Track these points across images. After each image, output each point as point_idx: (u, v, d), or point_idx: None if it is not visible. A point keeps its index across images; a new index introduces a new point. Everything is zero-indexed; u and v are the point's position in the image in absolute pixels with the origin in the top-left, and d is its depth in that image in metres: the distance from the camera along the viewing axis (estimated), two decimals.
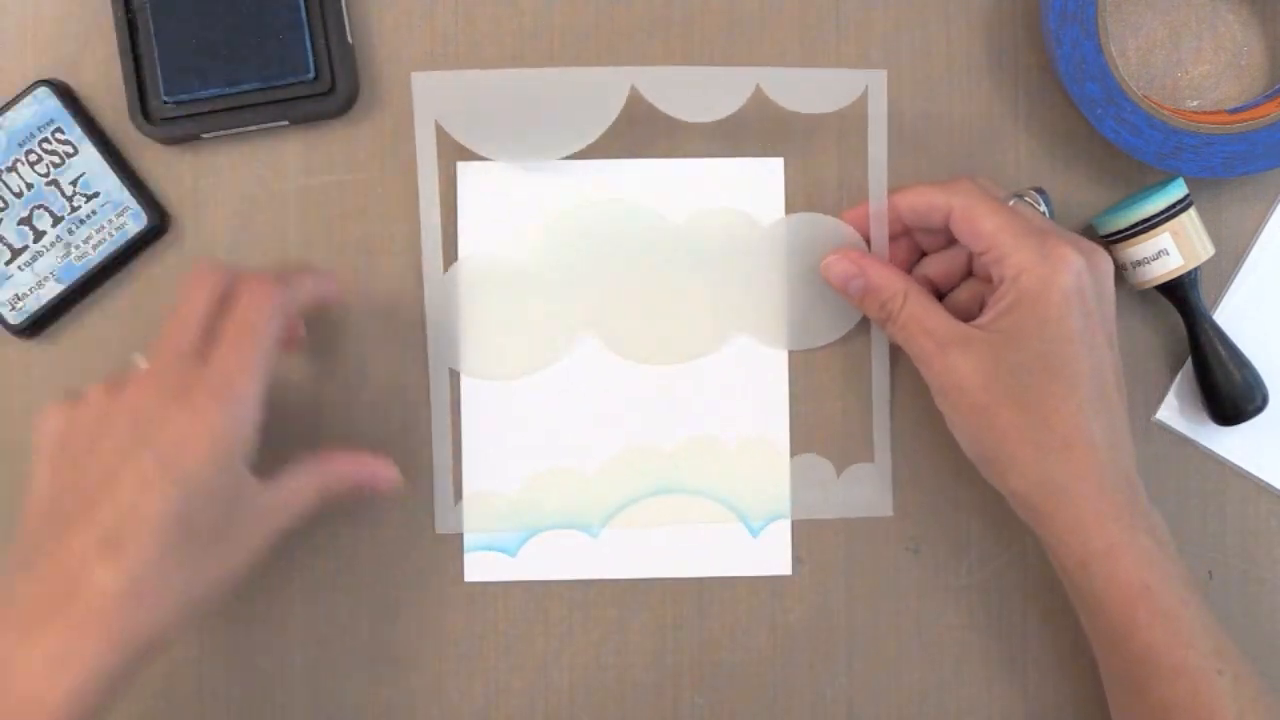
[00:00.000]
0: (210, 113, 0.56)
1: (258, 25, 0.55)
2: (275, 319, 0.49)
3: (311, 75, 0.56)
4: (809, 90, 0.55)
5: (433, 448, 0.57)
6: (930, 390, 0.53)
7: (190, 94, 0.55)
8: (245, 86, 0.55)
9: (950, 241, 0.55)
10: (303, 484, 0.51)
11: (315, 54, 0.56)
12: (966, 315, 0.53)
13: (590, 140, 0.55)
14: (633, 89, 0.54)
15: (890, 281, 0.54)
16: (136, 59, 0.56)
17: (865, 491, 0.58)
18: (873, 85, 0.56)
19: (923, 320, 0.52)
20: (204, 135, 0.56)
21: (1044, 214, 0.55)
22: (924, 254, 0.57)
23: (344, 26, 0.56)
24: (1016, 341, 0.50)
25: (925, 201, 0.53)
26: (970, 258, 0.55)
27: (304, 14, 0.55)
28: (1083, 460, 0.50)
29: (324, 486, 0.51)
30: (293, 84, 0.56)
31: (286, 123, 0.57)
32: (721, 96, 0.55)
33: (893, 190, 0.55)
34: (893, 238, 0.56)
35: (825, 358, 0.58)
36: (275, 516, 0.50)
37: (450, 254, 0.58)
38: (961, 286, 0.56)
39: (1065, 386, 0.50)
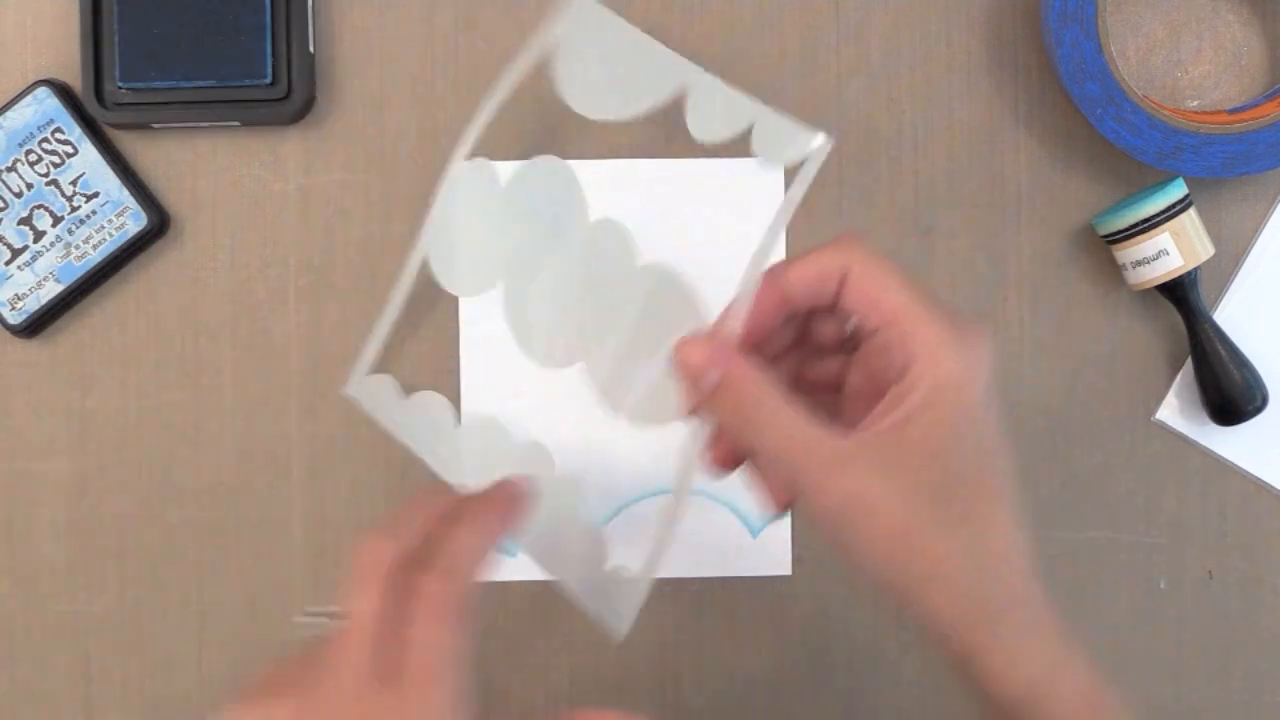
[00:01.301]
0: (163, 104, 0.56)
1: (221, 25, 0.55)
2: (463, 626, 0.41)
3: (268, 80, 0.56)
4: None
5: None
6: (812, 516, 0.41)
7: (145, 83, 0.55)
8: (200, 83, 0.56)
9: (834, 336, 0.45)
10: None
11: (274, 59, 0.56)
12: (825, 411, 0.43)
13: None
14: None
15: (757, 377, 0.41)
16: (98, 42, 0.56)
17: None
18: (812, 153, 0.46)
19: (801, 431, 0.41)
20: (154, 125, 0.57)
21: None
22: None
23: (307, 35, 0.56)
24: (939, 448, 0.41)
25: (815, 269, 0.42)
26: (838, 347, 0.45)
27: (268, 19, 0.55)
28: (1019, 577, 0.42)
29: None
30: (248, 86, 0.56)
31: (238, 123, 0.57)
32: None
33: (768, 270, 0.43)
34: (771, 335, 0.44)
35: None
36: None
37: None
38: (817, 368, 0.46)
39: (996, 496, 0.42)
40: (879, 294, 0.41)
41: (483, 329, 0.58)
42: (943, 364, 0.40)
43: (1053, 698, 0.42)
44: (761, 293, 0.43)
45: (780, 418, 0.41)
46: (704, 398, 0.42)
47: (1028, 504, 0.44)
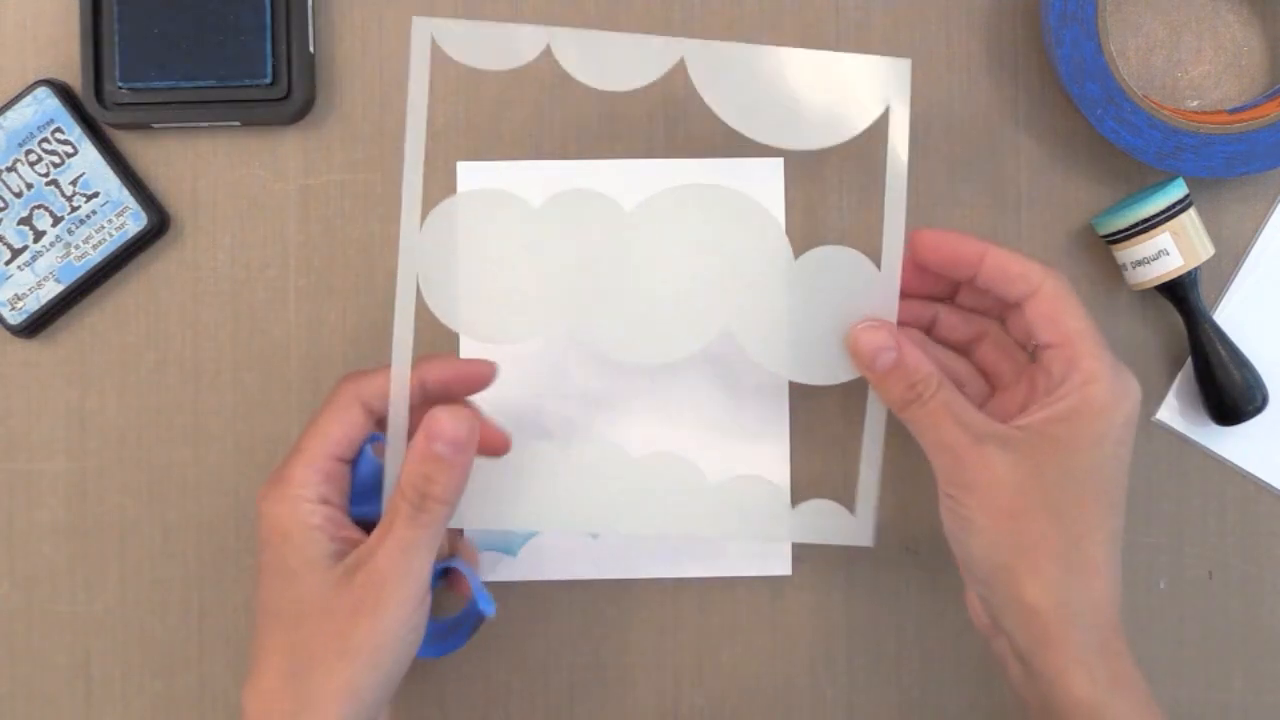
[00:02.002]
0: (163, 104, 0.56)
1: (221, 25, 0.55)
2: (346, 410, 0.49)
3: (268, 80, 0.56)
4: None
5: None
6: (943, 485, 0.49)
7: (145, 83, 0.55)
8: (200, 83, 0.55)
9: (965, 339, 0.53)
10: (400, 489, 0.47)
11: (274, 59, 0.56)
12: None
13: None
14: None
15: (926, 364, 0.49)
16: (98, 42, 0.56)
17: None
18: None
19: (957, 411, 0.48)
20: (154, 125, 0.57)
21: None
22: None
23: (307, 35, 0.56)
24: (1066, 451, 0.47)
25: (1020, 268, 0.49)
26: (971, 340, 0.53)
27: (269, 18, 0.55)
28: (1102, 590, 0.47)
29: (420, 453, 0.47)
30: (248, 86, 0.56)
31: (238, 123, 0.57)
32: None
33: (986, 239, 0.50)
34: (929, 296, 0.53)
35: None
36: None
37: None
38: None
39: (1104, 510, 0.48)
40: (1060, 316, 0.48)
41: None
42: (1094, 387, 0.47)
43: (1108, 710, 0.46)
44: (965, 251, 0.50)
45: (940, 395, 0.48)
46: (878, 375, 0.50)
47: None
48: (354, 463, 0.50)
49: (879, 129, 0.51)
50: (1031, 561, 0.47)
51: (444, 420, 0.47)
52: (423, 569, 0.47)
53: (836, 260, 0.51)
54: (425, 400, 0.50)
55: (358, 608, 0.46)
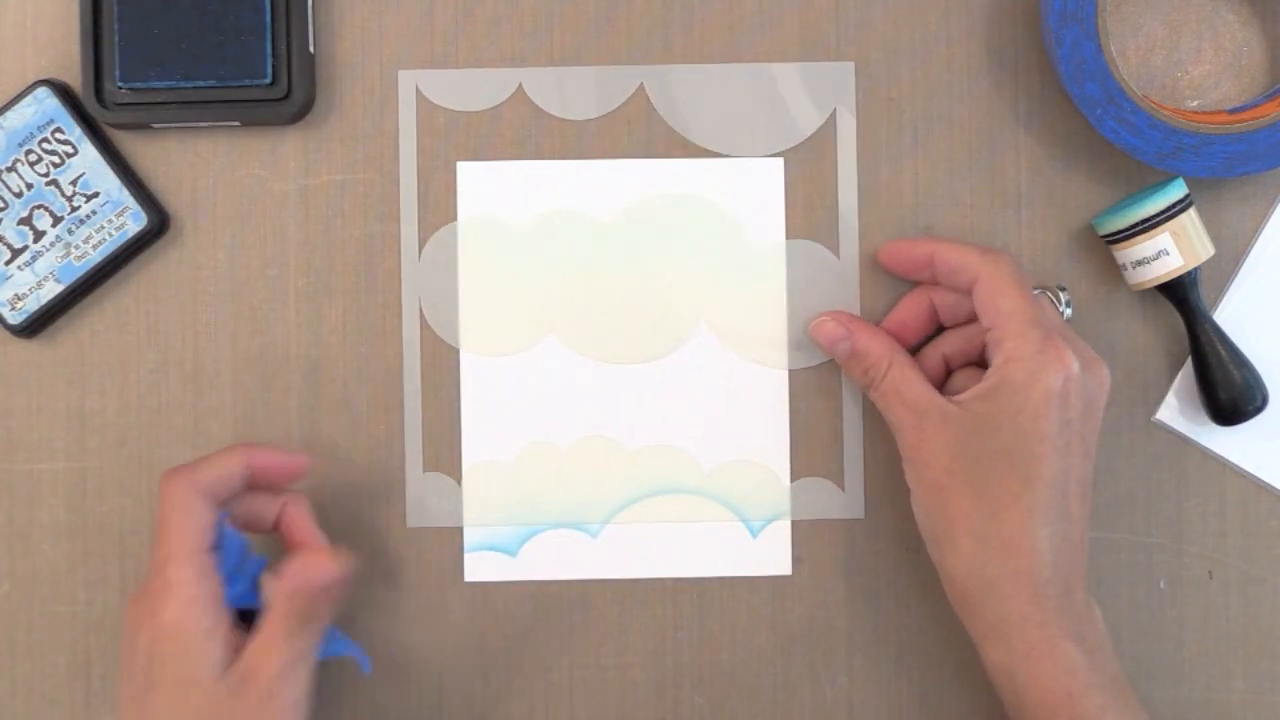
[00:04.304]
0: (163, 104, 0.56)
1: (221, 25, 0.55)
2: (190, 504, 0.49)
3: (268, 80, 0.56)
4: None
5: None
6: (902, 459, 0.53)
7: (145, 83, 0.55)
8: (200, 83, 0.55)
9: (970, 317, 0.55)
10: (278, 608, 0.49)
11: (274, 59, 0.56)
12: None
13: None
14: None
15: (876, 348, 0.54)
16: (98, 42, 0.56)
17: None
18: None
19: (903, 390, 0.52)
20: (154, 125, 0.56)
21: (1061, 312, 0.55)
22: (941, 326, 0.57)
23: (307, 35, 0.56)
24: (987, 428, 0.50)
25: (960, 259, 0.53)
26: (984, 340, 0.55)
27: (268, 18, 0.55)
28: (1020, 562, 0.50)
29: (296, 586, 0.50)
30: (248, 86, 0.56)
31: (238, 123, 0.57)
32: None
33: (934, 238, 0.56)
34: (916, 285, 0.56)
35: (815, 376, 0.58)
36: (277, 649, 0.49)
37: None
38: (965, 369, 0.55)
39: (1021, 484, 0.50)
40: (994, 299, 0.51)
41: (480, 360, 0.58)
42: (1013, 366, 0.50)
43: (1024, 679, 0.50)
44: (915, 255, 0.55)
45: (890, 375, 0.53)
46: (841, 363, 0.55)
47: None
48: (217, 548, 0.50)
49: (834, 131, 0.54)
50: (952, 535, 0.51)
51: (328, 564, 0.50)
52: (306, 673, 0.49)
53: (798, 252, 0.58)
54: (249, 483, 0.52)
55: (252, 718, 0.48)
